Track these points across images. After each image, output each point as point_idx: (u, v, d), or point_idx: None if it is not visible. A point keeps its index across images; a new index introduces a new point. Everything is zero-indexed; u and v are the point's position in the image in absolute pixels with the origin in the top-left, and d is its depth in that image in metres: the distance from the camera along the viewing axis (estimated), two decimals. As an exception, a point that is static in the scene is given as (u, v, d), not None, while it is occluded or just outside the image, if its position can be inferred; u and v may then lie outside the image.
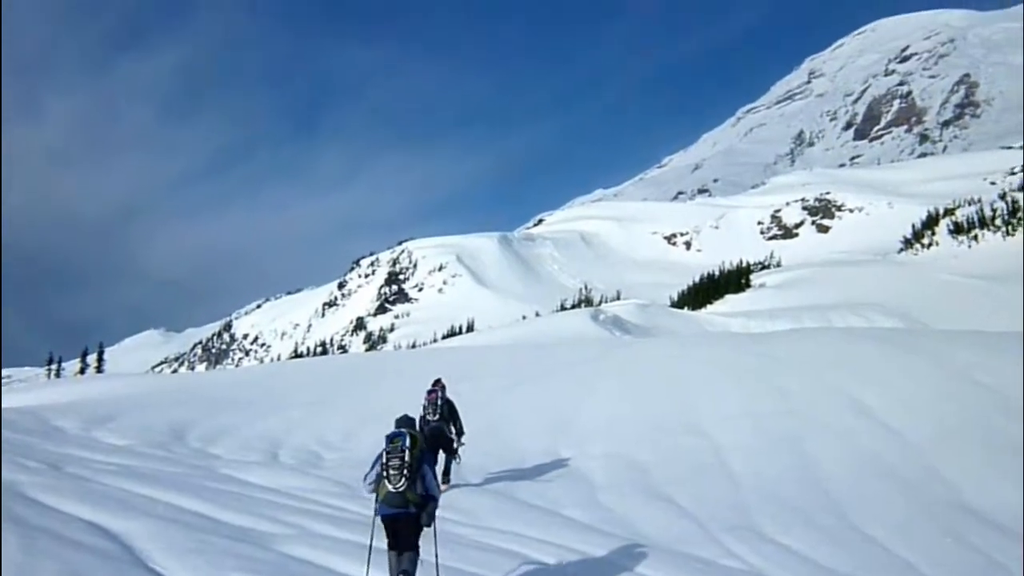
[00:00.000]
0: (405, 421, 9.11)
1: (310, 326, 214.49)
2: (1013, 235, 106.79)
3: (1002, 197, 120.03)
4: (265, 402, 22.92)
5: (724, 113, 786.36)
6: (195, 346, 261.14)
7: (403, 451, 8.02)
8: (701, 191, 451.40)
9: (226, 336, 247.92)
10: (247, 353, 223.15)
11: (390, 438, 8.20)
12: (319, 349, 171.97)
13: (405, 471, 8.10)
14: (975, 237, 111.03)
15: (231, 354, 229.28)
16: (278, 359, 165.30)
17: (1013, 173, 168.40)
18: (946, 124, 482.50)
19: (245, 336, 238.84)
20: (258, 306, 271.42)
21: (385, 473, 8.14)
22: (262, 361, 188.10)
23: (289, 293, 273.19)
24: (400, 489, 8.07)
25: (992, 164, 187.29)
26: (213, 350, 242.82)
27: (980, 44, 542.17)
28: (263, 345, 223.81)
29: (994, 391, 16.96)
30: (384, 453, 8.21)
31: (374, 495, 8.33)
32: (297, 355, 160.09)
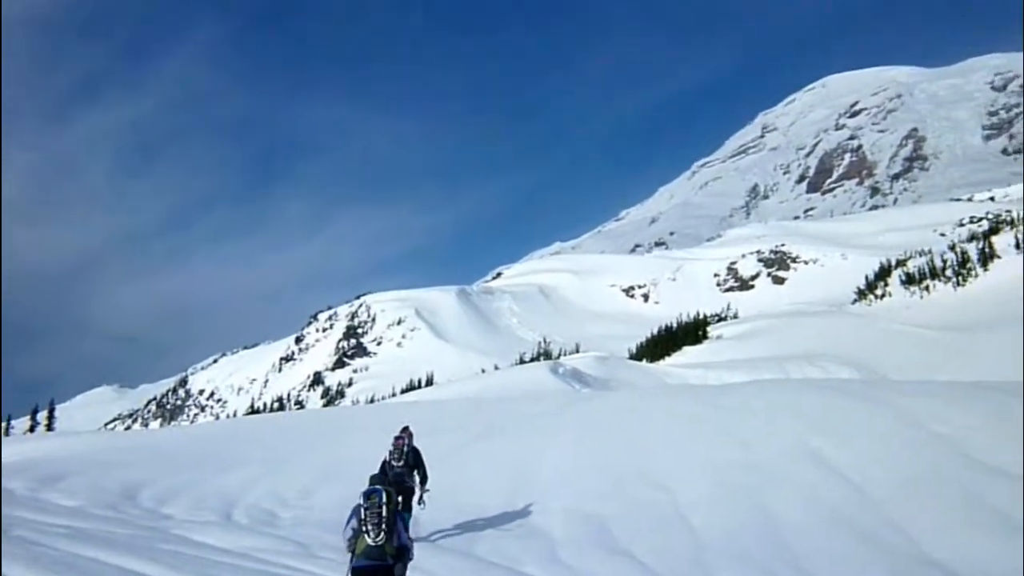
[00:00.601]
0: (379, 479, 9.65)
1: (267, 381, 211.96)
2: (963, 285, 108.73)
3: (951, 248, 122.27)
4: (220, 459, 22.58)
5: (680, 167, 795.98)
6: (149, 402, 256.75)
7: (380, 506, 8.63)
8: (658, 244, 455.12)
9: (181, 392, 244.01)
10: (202, 409, 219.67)
11: (367, 495, 8.69)
12: (276, 405, 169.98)
13: (383, 525, 8.53)
14: (926, 288, 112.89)
15: (186, 410, 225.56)
16: (234, 415, 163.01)
17: (961, 224, 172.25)
18: (896, 177, 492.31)
19: (201, 392, 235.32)
20: (214, 361, 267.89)
21: (364, 528, 8.54)
22: (218, 417, 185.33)
23: (246, 348, 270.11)
24: (379, 543, 8.51)
25: (941, 216, 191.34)
26: (168, 406, 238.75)
27: (927, 100, 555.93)
28: (219, 401, 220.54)
29: (950, 441, 17.14)
30: (362, 509, 8.59)
31: (351, 550, 8.70)
32: (253, 411, 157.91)
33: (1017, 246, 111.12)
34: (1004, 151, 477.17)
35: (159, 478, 19.35)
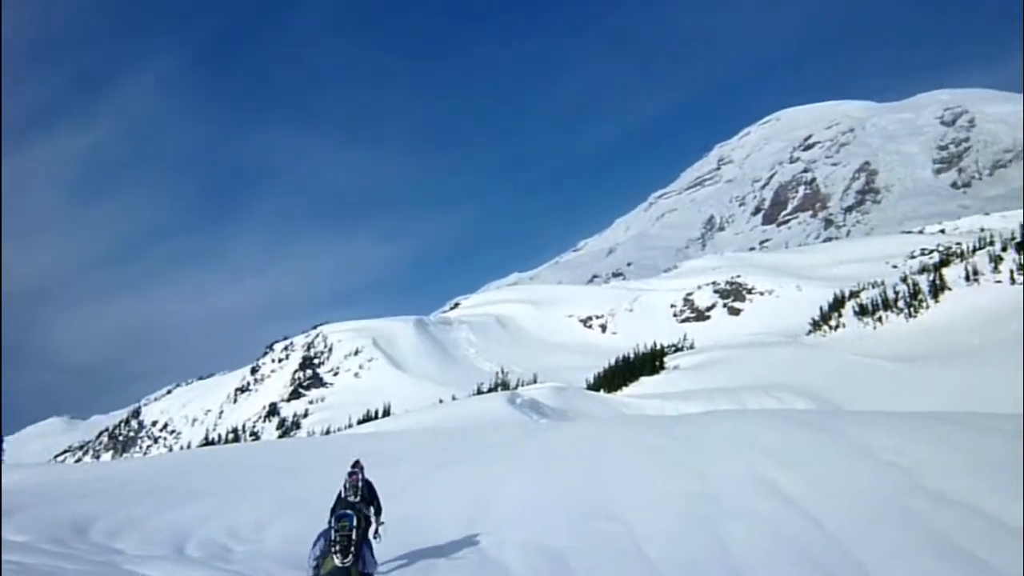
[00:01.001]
0: (346, 504, 9.93)
1: (222, 412, 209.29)
2: (915, 317, 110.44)
3: (903, 280, 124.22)
4: (173, 492, 22.24)
5: (637, 198, 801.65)
6: (101, 434, 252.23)
7: (351, 530, 8.89)
8: (616, 275, 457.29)
9: (134, 423, 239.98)
10: (156, 441, 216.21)
11: (338, 518, 8.97)
12: (231, 436, 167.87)
13: (352, 548, 8.78)
14: (879, 319, 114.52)
15: (139, 442, 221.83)
16: (188, 447, 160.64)
17: (913, 256, 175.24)
18: (849, 210, 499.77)
19: (154, 423, 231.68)
20: (168, 392, 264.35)
21: (334, 549, 8.76)
22: (171, 449, 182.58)
23: (201, 378, 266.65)
24: (347, 565, 8.76)
25: (893, 248, 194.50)
26: (120, 438, 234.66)
27: (878, 134, 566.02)
28: (172, 432, 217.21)
29: (905, 472, 17.32)
30: (332, 531, 8.82)
31: (316, 571, 8.94)
32: (208, 442, 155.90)
33: (967, 278, 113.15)
34: (953, 185, 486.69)
35: (110, 512, 19.01)
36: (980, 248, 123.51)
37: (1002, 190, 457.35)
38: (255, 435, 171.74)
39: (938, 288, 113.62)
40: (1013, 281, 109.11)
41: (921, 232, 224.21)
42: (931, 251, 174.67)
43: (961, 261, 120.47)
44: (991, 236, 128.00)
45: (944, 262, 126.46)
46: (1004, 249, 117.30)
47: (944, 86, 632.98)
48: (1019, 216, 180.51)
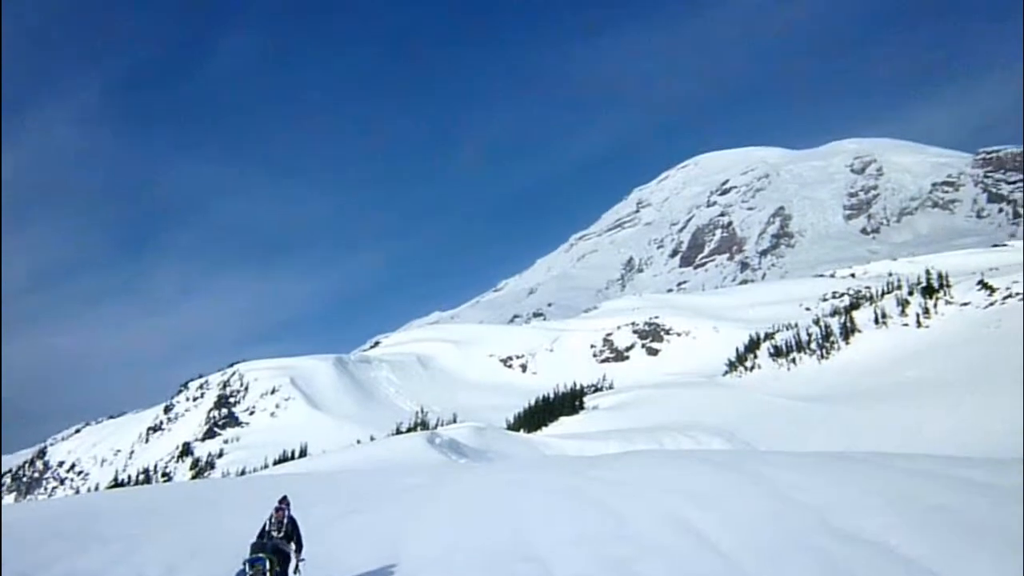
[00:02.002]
0: (260, 547, 9.69)
1: (132, 452, 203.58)
2: (827, 358, 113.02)
3: (816, 322, 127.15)
4: (79, 536, 21.54)
5: (557, 239, 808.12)
6: (3, 475, 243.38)
7: (264, 573, 8.73)
8: (536, 315, 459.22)
9: (39, 464, 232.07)
10: (62, 482, 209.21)
11: (251, 562, 8.82)
12: (142, 477, 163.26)
13: None
14: (793, 360, 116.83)
15: (44, 483, 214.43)
16: (96, 488, 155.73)
17: (825, 299, 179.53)
18: (764, 253, 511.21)
19: (61, 464, 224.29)
20: (77, 431, 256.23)
21: None
22: (78, 491, 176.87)
23: (111, 417, 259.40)
24: None
25: (806, 291, 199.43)
26: (24, 479, 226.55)
27: (792, 180, 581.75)
28: (80, 473, 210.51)
29: (815, 511, 17.63)
30: (246, 574, 8.89)
31: None
32: (117, 484, 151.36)
33: (876, 321, 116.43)
34: (863, 230, 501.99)
35: (10, 559, 18.35)
36: (888, 292, 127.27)
37: (909, 236, 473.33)
38: (167, 476, 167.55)
39: (849, 330, 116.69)
40: (919, 324, 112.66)
41: (833, 276, 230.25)
42: (842, 294, 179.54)
43: (870, 304, 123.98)
44: (898, 280, 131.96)
45: (854, 305, 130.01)
46: (911, 293, 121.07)
47: (854, 135, 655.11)
48: (925, 261, 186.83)
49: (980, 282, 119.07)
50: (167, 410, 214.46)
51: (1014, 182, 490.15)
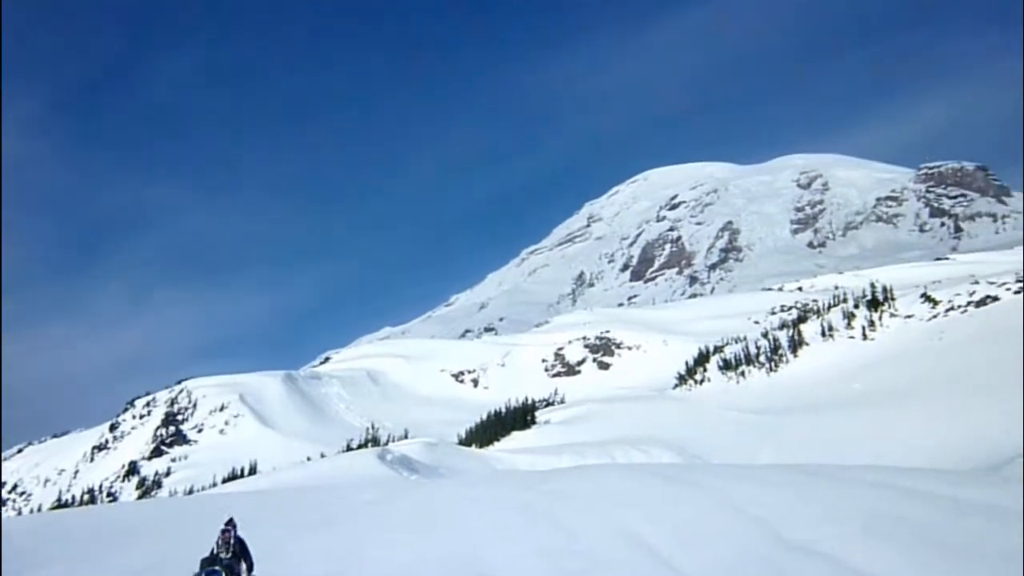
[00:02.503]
0: (210, 560, 9.59)
1: (77, 472, 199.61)
2: (776, 371, 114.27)
3: (764, 336, 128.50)
4: (19, 560, 21.02)
5: (509, 254, 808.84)
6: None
7: None
8: (488, 329, 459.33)
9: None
10: (3, 503, 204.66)
11: (207, 575, 8.61)
12: (86, 497, 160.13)
13: None
14: (742, 373, 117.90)
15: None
16: (38, 510, 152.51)
17: (773, 313, 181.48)
18: (713, 267, 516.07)
19: (2, 484, 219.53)
20: (19, 451, 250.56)
21: None
22: (20, 512, 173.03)
23: (55, 436, 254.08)
24: None
25: (755, 304, 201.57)
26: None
27: (740, 195, 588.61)
28: (23, 494, 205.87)
29: (766, 524, 17.71)
30: None
31: None
32: (61, 504, 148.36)
33: (823, 334, 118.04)
34: (810, 244, 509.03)
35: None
36: (835, 306, 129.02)
37: (854, 250, 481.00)
38: (112, 496, 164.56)
39: (797, 343, 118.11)
40: (865, 337, 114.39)
41: (780, 289, 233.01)
42: (790, 308, 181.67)
43: (817, 318, 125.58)
44: (844, 294, 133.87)
45: (802, 318, 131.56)
46: (856, 306, 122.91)
47: (800, 151, 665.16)
48: (870, 275, 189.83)
49: (923, 295, 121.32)
50: (112, 428, 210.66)
51: (955, 197, 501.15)
